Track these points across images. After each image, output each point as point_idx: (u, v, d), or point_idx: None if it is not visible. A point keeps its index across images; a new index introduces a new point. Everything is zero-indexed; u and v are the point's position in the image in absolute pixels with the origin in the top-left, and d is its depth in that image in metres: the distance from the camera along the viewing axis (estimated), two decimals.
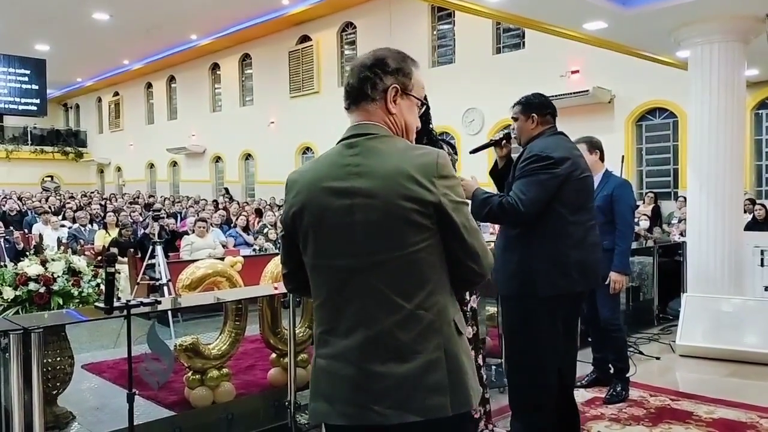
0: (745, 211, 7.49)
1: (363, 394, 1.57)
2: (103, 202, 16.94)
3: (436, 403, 1.56)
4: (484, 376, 3.09)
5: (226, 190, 21.08)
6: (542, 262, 2.88)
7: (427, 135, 2.89)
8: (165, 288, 6.24)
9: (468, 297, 3.08)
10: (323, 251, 1.64)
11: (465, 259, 1.65)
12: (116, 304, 2.86)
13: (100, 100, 29.93)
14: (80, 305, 3.60)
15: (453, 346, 1.62)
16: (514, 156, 3.18)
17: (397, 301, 1.58)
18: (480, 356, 3.12)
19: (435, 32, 15.61)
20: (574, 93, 11.98)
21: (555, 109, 3.16)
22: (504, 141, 3.26)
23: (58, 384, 3.53)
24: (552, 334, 2.93)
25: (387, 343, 1.57)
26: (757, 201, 9.39)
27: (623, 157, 6.67)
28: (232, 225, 11.49)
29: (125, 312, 2.87)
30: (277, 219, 11.02)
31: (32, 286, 3.51)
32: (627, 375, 4.44)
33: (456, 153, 3.21)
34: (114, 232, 9.50)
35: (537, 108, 3.10)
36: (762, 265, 6.06)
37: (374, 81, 1.69)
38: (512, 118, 3.20)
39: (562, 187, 2.86)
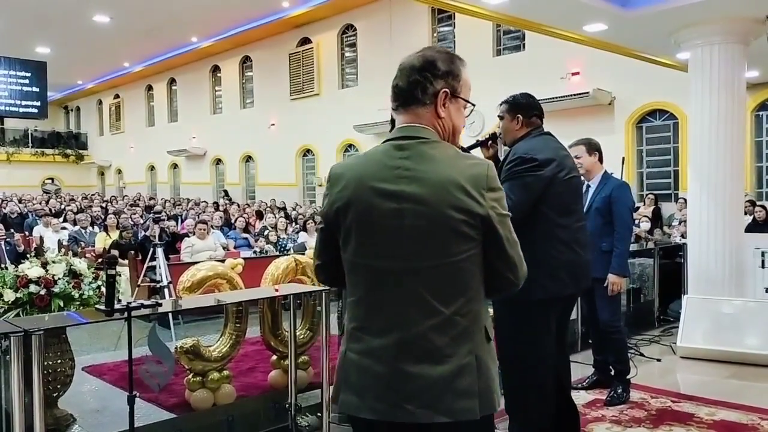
0: (745, 213, 7.49)
1: (394, 392, 1.61)
2: (103, 205, 16.95)
3: (466, 406, 1.61)
4: None
5: (225, 192, 21.07)
6: (531, 265, 2.84)
7: None
8: (165, 290, 6.24)
9: None
10: (365, 251, 1.66)
11: (503, 270, 1.69)
12: (117, 306, 2.86)
13: (100, 102, 29.96)
14: (81, 307, 3.60)
15: (483, 353, 1.66)
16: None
17: (436, 306, 1.61)
18: None
19: (435, 34, 15.62)
20: (574, 95, 12.00)
21: (542, 110, 3.12)
22: (490, 141, 3.22)
23: (58, 386, 3.52)
24: (545, 338, 2.92)
25: (421, 346, 1.60)
26: (758, 202, 9.39)
27: (624, 158, 6.67)
28: (232, 227, 11.49)
29: (126, 314, 2.86)
30: (278, 221, 11.03)
31: (33, 288, 3.51)
32: (628, 377, 4.44)
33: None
34: (115, 235, 9.51)
35: (523, 109, 3.08)
36: (763, 266, 6.06)
37: (425, 85, 1.69)
38: (498, 116, 3.18)
39: (548, 189, 2.85)
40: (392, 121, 3.07)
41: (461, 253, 1.61)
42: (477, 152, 3.37)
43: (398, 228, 1.61)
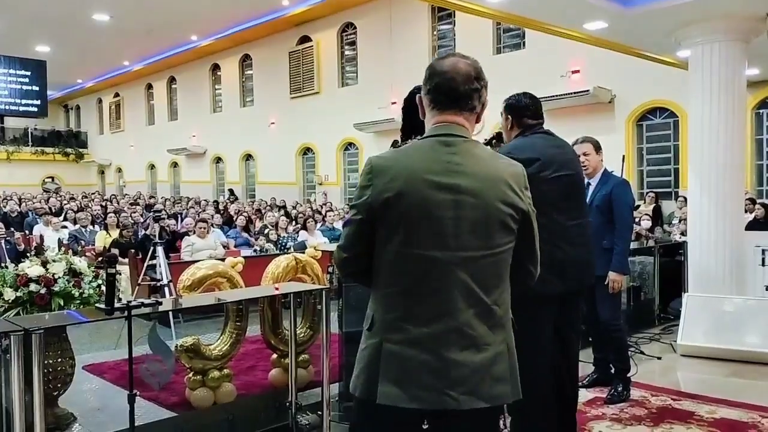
0: (745, 211, 7.49)
1: (440, 379, 1.64)
2: (103, 203, 16.94)
3: (501, 391, 1.71)
4: None
5: (231, 191, 21.07)
6: None
7: None
8: (166, 289, 6.23)
9: None
10: (416, 241, 1.68)
11: (528, 263, 1.84)
12: (117, 305, 2.86)
13: (100, 101, 29.96)
14: (81, 306, 3.60)
15: (512, 341, 1.79)
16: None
17: (480, 295, 1.69)
18: None
19: (435, 32, 15.61)
20: (574, 93, 11.99)
21: (537, 110, 3.14)
22: (494, 141, 3.28)
23: (59, 385, 3.52)
24: (536, 336, 2.91)
25: (466, 333, 1.67)
26: (758, 200, 9.39)
27: (624, 157, 6.67)
28: (232, 225, 11.49)
29: (126, 313, 2.86)
30: (278, 219, 11.02)
31: (33, 287, 3.51)
32: (628, 375, 4.44)
33: None
34: (115, 233, 9.50)
35: (513, 110, 3.14)
36: (763, 264, 6.06)
37: (480, 94, 1.82)
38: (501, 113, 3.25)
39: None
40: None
41: (504, 245, 1.73)
42: None
43: (453, 219, 1.67)
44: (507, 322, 1.77)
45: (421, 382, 1.65)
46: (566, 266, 2.92)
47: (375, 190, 1.70)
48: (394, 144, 2.84)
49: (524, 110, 3.11)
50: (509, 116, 3.13)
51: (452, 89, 1.78)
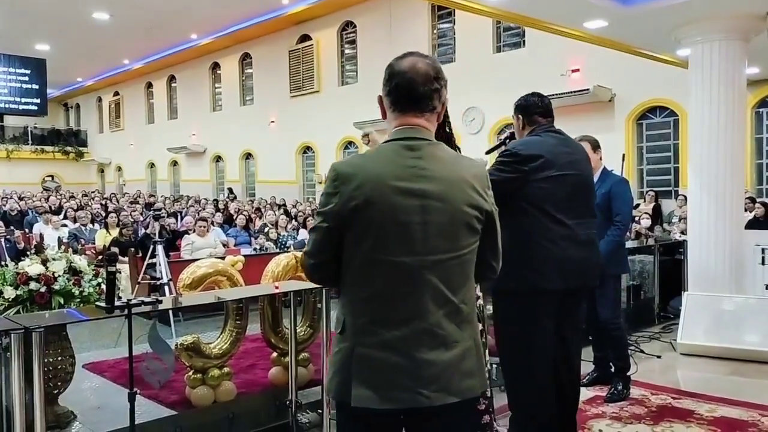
0: (745, 210, 7.49)
1: (412, 379, 1.68)
2: (103, 202, 16.94)
3: (470, 385, 1.76)
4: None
5: (230, 190, 21.07)
6: (513, 257, 2.92)
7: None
8: (166, 287, 6.23)
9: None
10: (385, 247, 1.69)
11: (491, 259, 1.88)
12: (117, 303, 2.86)
13: (100, 99, 29.94)
14: (81, 305, 3.60)
15: (478, 336, 1.83)
16: None
17: (449, 296, 1.73)
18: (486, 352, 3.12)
19: (435, 31, 15.61)
20: (574, 92, 11.98)
21: (546, 108, 3.19)
22: (508, 140, 3.37)
23: (59, 383, 3.53)
24: (534, 332, 2.94)
25: (436, 334, 1.71)
26: (758, 199, 9.39)
27: (624, 155, 6.67)
28: (232, 224, 11.49)
29: (126, 311, 2.86)
30: (278, 218, 11.03)
31: (33, 285, 3.51)
32: (628, 373, 4.45)
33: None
34: (115, 232, 9.50)
35: (521, 110, 3.21)
36: (763, 263, 6.06)
37: (440, 93, 1.82)
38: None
39: (529, 184, 2.92)
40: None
41: (470, 245, 1.77)
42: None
43: (420, 224, 1.69)
44: (473, 317, 1.82)
45: (394, 383, 1.68)
46: (566, 264, 2.93)
47: (342, 198, 1.70)
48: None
49: (534, 108, 3.17)
50: (520, 116, 3.20)
51: (412, 90, 1.78)
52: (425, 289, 1.70)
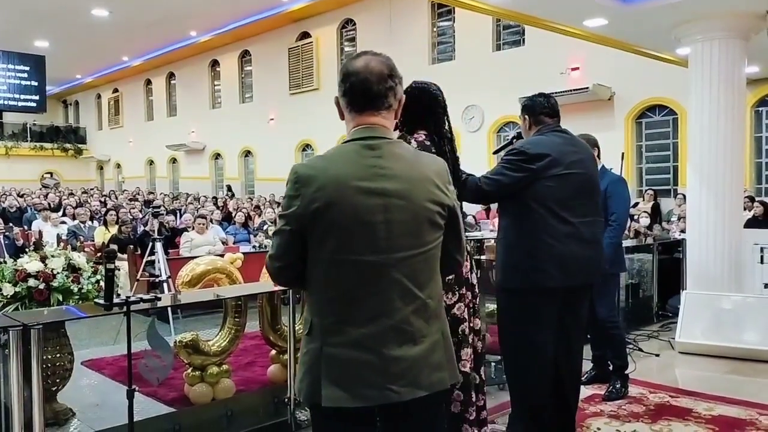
0: (744, 209, 7.50)
1: (382, 376, 1.69)
2: (102, 199, 16.93)
3: (439, 378, 1.77)
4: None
5: (229, 187, 21.06)
6: (517, 255, 3.00)
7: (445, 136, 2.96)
8: (165, 285, 6.24)
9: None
10: (349, 247, 1.70)
11: (455, 253, 1.91)
12: (116, 300, 2.86)
13: (99, 96, 29.88)
14: (80, 302, 3.60)
15: (446, 329, 1.85)
16: None
17: (415, 292, 1.74)
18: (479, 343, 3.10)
19: (435, 29, 15.58)
20: (573, 90, 11.96)
21: (551, 108, 3.21)
22: (515, 140, 3.40)
23: (57, 380, 3.53)
24: (537, 329, 2.97)
25: (404, 330, 1.72)
26: (757, 198, 9.39)
27: (623, 154, 6.67)
28: (231, 222, 11.48)
29: (125, 308, 2.87)
30: (278, 214, 11.00)
31: (32, 282, 3.51)
32: (626, 372, 4.45)
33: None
34: (114, 229, 9.49)
35: (528, 110, 3.23)
36: (762, 262, 6.06)
37: (395, 91, 1.82)
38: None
39: (536, 183, 2.94)
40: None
41: (434, 241, 1.79)
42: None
43: (385, 222, 1.70)
44: (441, 312, 1.84)
45: (363, 380, 1.69)
46: (569, 261, 2.95)
47: (304, 200, 1.70)
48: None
49: (540, 109, 3.20)
50: (527, 116, 3.23)
51: (367, 89, 1.78)
52: (391, 286, 1.71)
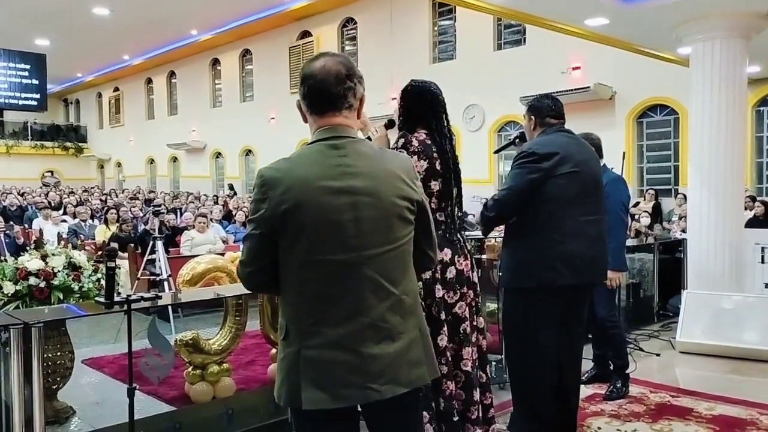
0: (745, 209, 7.49)
1: (361, 375, 1.69)
2: (103, 198, 16.94)
3: (418, 374, 1.79)
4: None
5: (231, 186, 21.06)
6: (525, 254, 3.00)
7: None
8: (165, 283, 6.24)
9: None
10: (320, 247, 1.69)
11: (426, 249, 1.92)
12: (116, 299, 2.86)
13: (100, 95, 29.89)
14: (80, 300, 3.60)
15: (424, 324, 1.87)
16: None
17: (389, 289, 1.75)
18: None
19: (436, 28, 15.57)
20: (574, 89, 11.95)
21: (558, 110, 3.23)
22: (518, 140, 3.44)
23: (58, 379, 3.53)
24: (542, 328, 2.98)
25: (380, 327, 1.72)
26: (758, 198, 9.39)
27: (624, 153, 6.67)
28: (232, 220, 11.48)
29: (125, 307, 2.86)
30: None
31: (32, 280, 3.52)
32: (627, 371, 4.45)
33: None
34: (114, 228, 9.49)
35: (535, 111, 3.24)
36: (762, 262, 6.07)
37: (355, 90, 1.84)
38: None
39: (546, 182, 2.95)
40: (392, 122, 3.12)
41: (404, 237, 1.80)
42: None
43: (353, 221, 1.70)
44: (417, 307, 1.85)
45: (343, 381, 1.69)
46: (577, 259, 2.96)
47: (271, 203, 1.70)
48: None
49: (547, 111, 3.21)
50: (532, 117, 3.24)
51: (325, 91, 1.80)
52: (365, 284, 1.71)
